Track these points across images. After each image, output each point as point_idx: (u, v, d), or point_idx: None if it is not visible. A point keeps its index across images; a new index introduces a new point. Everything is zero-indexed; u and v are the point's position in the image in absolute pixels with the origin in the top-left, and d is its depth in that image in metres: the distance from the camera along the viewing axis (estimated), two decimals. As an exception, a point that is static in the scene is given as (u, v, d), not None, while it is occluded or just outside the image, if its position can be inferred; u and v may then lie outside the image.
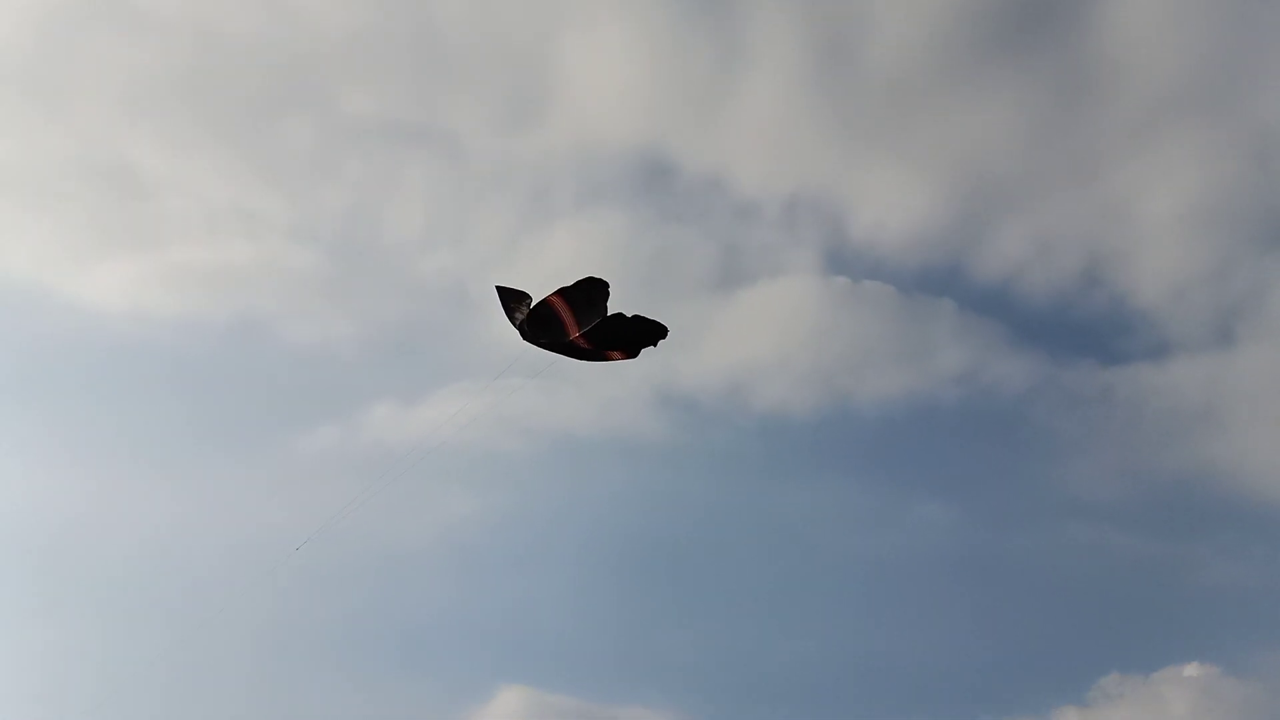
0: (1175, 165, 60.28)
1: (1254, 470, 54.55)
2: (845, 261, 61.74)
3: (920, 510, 55.49)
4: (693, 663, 48.70)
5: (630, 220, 61.83)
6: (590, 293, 20.69)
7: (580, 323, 20.82)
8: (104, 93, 60.33)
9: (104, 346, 56.70)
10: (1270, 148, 59.19)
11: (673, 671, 48.23)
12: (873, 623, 50.99)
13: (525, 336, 21.32)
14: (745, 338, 59.65)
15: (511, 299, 21.94)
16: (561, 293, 20.81)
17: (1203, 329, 58.91)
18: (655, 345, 20.96)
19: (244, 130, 62.13)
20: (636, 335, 21.07)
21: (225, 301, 58.95)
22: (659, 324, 20.84)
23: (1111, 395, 58.87)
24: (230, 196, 60.59)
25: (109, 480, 52.13)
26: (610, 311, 20.60)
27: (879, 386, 58.63)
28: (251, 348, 58.24)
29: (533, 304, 21.32)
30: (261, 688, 45.93)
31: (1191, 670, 47.04)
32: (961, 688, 48.26)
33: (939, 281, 62.33)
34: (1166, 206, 59.95)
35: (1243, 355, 58.55)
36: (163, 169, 60.42)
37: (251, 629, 46.00)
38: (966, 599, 52.04)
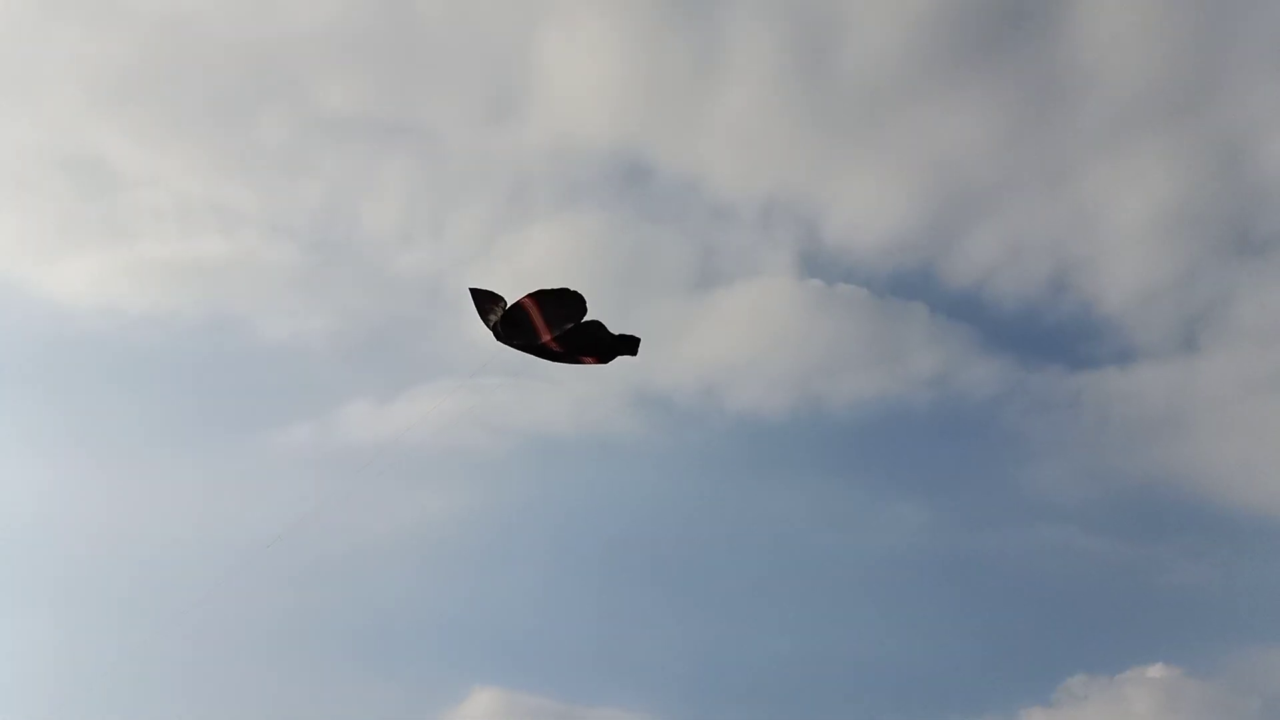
0: (1143, 172, 61.19)
1: (1217, 474, 55.54)
2: (820, 264, 62.27)
3: (893, 511, 56.07)
4: (667, 662, 48.95)
5: (607, 220, 62.08)
6: (565, 302, 20.93)
7: (551, 327, 21.04)
8: (74, 84, 59.86)
9: (74, 341, 56.31)
10: (1237, 155, 60.19)
11: (648, 671, 48.45)
12: (845, 622, 51.45)
13: (499, 338, 21.53)
14: (720, 338, 60.05)
15: (485, 300, 22.09)
16: (535, 296, 21.01)
17: (1168, 335, 59.88)
18: (634, 354, 21.25)
19: (217, 123, 61.76)
20: (609, 344, 21.35)
21: (198, 297, 58.64)
22: (632, 337, 21.15)
23: (1079, 400, 59.72)
24: (203, 190, 60.28)
25: (79, 476, 51.74)
26: (586, 319, 20.85)
27: (852, 389, 59.19)
28: (225, 344, 57.99)
29: (506, 306, 21.50)
30: (230, 686, 45.69)
31: (1156, 671, 47.75)
32: (932, 687, 48.76)
33: (912, 285, 63.01)
34: (1134, 213, 60.87)
35: (1207, 361, 59.55)
36: (134, 162, 60.05)
37: (220, 627, 45.81)
38: (937, 599, 52.60)
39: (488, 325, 21.88)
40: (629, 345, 21.14)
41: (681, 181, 61.56)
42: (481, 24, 61.71)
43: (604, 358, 21.59)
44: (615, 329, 21.32)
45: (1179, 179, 60.71)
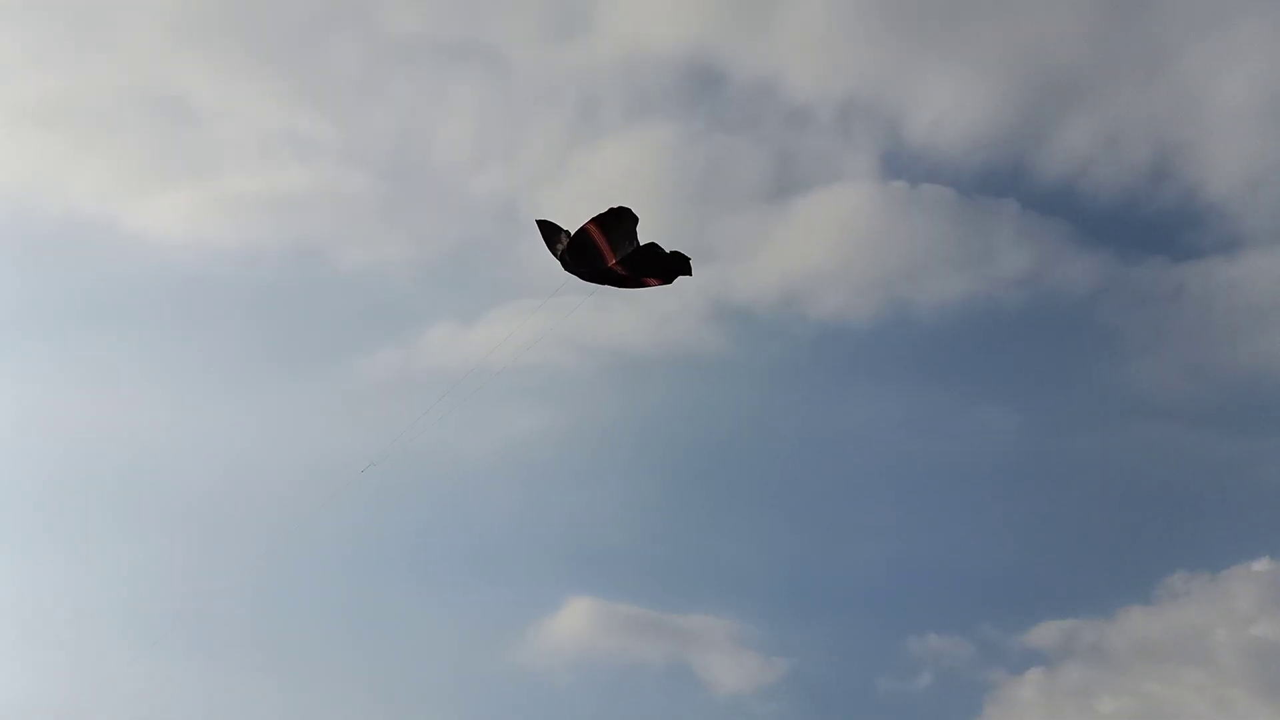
0: (1247, 51, 57.60)
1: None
2: (902, 165, 60.36)
3: (980, 414, 55.10)
4: (756, 571, 49.45)
5: (680, 131, 60.94)
6: (622, 222, 21.09)
7: (615, 250, 21.21)
8: (149, 22, 60.45)
9: (167, 276, 57.81)
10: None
11: (737, 580, 49.05)
12: (937, 528, 51.21)
13: (566, 267, 21.88)
14: (800, 247, 58.96)
15: (550, 232, 22.53)
16: (596, 220, 21.20)
17: (1277, 221, 56.95)
18: (690, 273, 21.33)
19: (290, 54, 62.04)
20: (668, 265, 21.51)
21: (281, 228, 59.53)
22: (683, 255, 21.31)
23: (1182, 292, 57.41)
24: (280, 122, 60.81)
25: (179, 406, 53.69)
26: (642, 241, 20.92)
27: (939, 292, 57.76)
28: (308, 274, 58.99)
29: (571, 234, 21.73)
30: (339, 600, 47.64)
31: (1261, 565, 46.66)
32: (1026, 590, 48.49)
33: (1000, 182, 60.74)
34: (1238, 95, 57.54)
35: (1318, 247, 56.58)
36: (212, 97, 60.75)
37: (327, 545, 47.58)
38: (1032, 502, 51.95)
39: (555, 255, 22.15)
40: (683, 265, 21.32)
41: (755, 86, 60.04)
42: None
43: (666, 278, 21.74)
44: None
45: (1287, 55, 57.12)
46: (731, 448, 53.67)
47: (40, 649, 44.38)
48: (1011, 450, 53.64)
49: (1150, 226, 59.37)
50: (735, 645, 46.83)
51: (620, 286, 21.87)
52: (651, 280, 21.70)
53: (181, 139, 60.90)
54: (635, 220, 21.02)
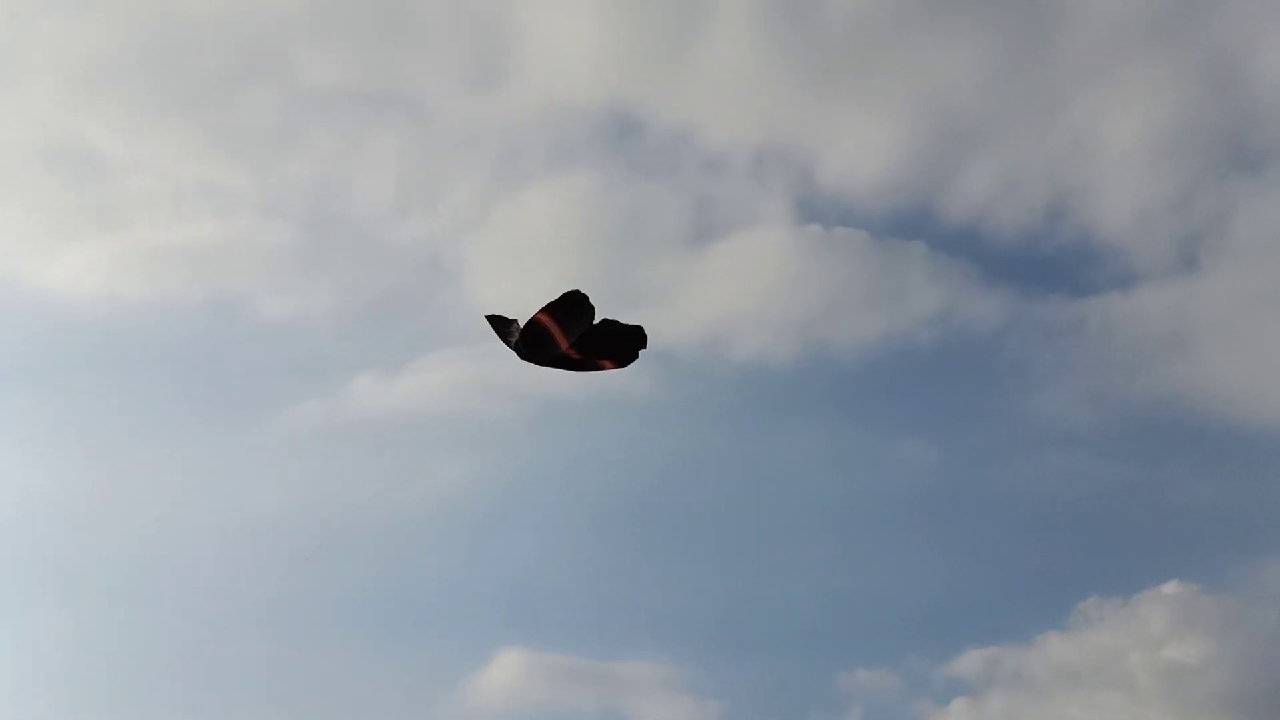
0: (1135, 95, 60.75)
1: (1223, 391, 55.88)
2: (816, 209, 62.06)
3: (903, 450, 56.49)
4: (689, 614, 49.72)
5: (600, 179, 61.81)
6: (574, 306, 21.53)
7: (568, 334, 21.60)
8: (57, 73, 59.34)
9: (78, 332, 56.32)
10: (1228, 71, 59.71)
11: (670, 624, 49.25)
12: (860, 563, 52.19)
13: (522, 356, 22.31)
14: (721, 290, 60.03)
15: (501, 325, 22.93)
16: (546, 309, 21.68)
17: (1168, 256, 59.83)
18: (638, 353, 21.93)
19: (204, 105, 61.29)
20: (623, 341, 22.05)
21: (198, 280, 58.57)
22: (637, 328, 21.88)
23: (1083, 326, 59.86)
24: (195, 173, 60.01)
25: (99, 466, 52.19)
26: (597, 319, 21.47)
27: (856, 331, 59.32)
28: (227, 326, 58.03)
29: (521, 326, 22.17)
30: (267, 657, 46.53)
31: (1171, 589, 48.29)
32: (949, 620, 49.64)
33: (909, 224, 62.88)
34: (1128, 136, 60.49)
35: (1208, 280, 59.60)
36: (122, 148, 59.69)
37: (254, 602, 46.58)
38: (951, 534, 53.32)
39: (509, 346, 22.59)
40: (639, 338, 21.88)
41: (672, 134, 61.21)
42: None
43: (621, 361, 22.28)
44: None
45: (1171, 99, 60.37)
46: (659, 491, 54.14)
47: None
48: (931, 483, 55.16)
49: (1050, 264, 61.97)
50: (668, 690, 47.02)
51: (575, 370, 22.28)
52: (606, 363, 22.08)
53: (91, 192, 59.76)
54: (587, 302, 21.39)
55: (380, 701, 46.11)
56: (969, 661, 47.65)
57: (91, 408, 54.49)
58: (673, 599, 50.23)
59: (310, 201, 60.82)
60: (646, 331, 21.73)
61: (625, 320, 23.68)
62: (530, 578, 50.35)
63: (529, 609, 49.35)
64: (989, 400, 58.57)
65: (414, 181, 61.51)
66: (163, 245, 58.41)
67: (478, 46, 60.68)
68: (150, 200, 59.35)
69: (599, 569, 51.12)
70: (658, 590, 50.48)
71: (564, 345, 21.43)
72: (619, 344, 21.80)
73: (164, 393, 55.63)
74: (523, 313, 21.95)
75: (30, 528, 48.80)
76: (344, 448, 53.68)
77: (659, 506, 53.51)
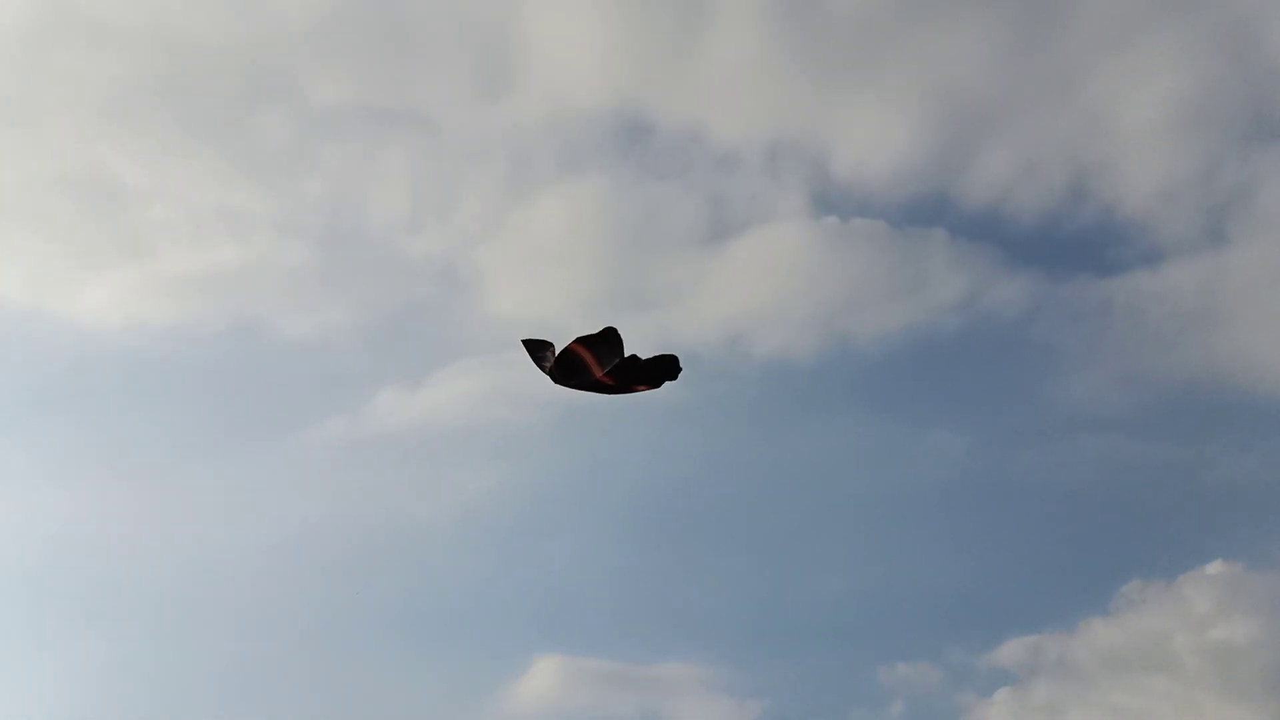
0: (1152, 68, 59.90)
1: (1256, 365, 54.87)
2: (832, 202, 61.54)
3: (930, 440, 55.88)
4: (723, 613, 49.33)
5: (612, 182, 61.65)
6: (608, 340, 21.84)
7: (602, 364, 21.84)
8: (76, 107, 60.07)
9: (107, 361, 56.91)
10: (1245, 40, 58.80)
11: (704, 624, 48.89)
12: (894, 555, 51.59)
13: (556, 380, 23.00)
14: (740, 288, 59.71)
15: (537, 349, 23.36)
16: (581, 341, 22.12)
17: (1194, 231, 58.85)
18: (678, 374, 22.42)
19: (218, 130, 61.82)
20: (656, 371, 22.63)
21: (220, 304, 58.98)
22: (672, 356, 22.39)
23: (1110, 306, 58.99)
24: (213, 198, 60.52)
25: (128, 492, 52.52)
26: (626, 352, 21.79)
27: (878, 323, 58.75)
28: (250, 348, 58.35)
29: (556, 351, 22.70)
30: (305, 674, 46.62)
31: (1214, 569, 47.52)
32: (989, 610, 48.93)
33: (928, 212, 62.15)
34: (1147, 112, 59.66)
35: (1236, 252, 58.53)
36: (143, 178, 60.30)
37: (291, 619, 46.75)
38: (986, 522, 52.59)
39: (543, 370, 23.16)
40: (672, 368, 22.60)
41: (682, 134, 61.02)
42: (464, 1, 61.32)
43: (654, 383, 22.41)
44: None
45: (1189, 70, 59.47)
46: (688, 491, 53.82)
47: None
48: (961, 472, 54.46)
49: (1074, 245, 61.07)
50: (707, 691, 46.65)
51: (609, 394, 22.93)
52: (640, 387, 22.65)
53: (111, 222, 60.44)
54: (619, 338, 21.59)
55: (420, 714, 46.21)
56: (1011, 650, 47.04)
57: (123, 435, 55.00)
58: (707, 599, 49.93)
59: (326, 220, 61.25)
60: (676, 354, 22.19)
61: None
62: (563, 584, 50.26)
63: (563, 615, 49.24)
64: (1018, 386, 57.82)
65: (427, 194, 61.78)
66: (185, 271, 58.98)
67: (484, 56, 60.94)
68: (171, 227, 59.97)
69: (632, 572, 50.91)
70: (692, 591, 50.23)
71: (598, 373, 21.88)
72: (651, 372, 22.13)
73: (192, 417, 56.13)
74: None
75: (67, 557, 49.31)
76: (371, 462, 53.86)
77: (689, 507, 53.24)
